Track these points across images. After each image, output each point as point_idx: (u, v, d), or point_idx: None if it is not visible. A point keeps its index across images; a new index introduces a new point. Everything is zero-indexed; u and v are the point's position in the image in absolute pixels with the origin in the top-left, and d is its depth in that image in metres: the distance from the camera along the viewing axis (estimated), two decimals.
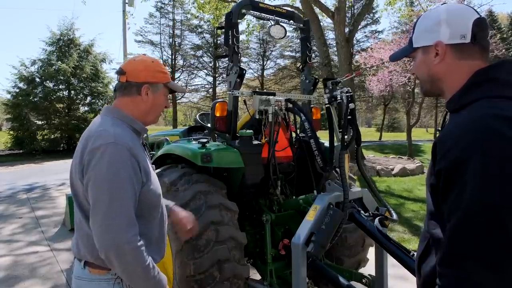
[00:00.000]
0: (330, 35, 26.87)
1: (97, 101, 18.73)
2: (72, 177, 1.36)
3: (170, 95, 1.67)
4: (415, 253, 1.10)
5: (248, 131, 2.78)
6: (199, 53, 30.75)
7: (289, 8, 3.42)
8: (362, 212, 2.39)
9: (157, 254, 1.47)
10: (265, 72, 33.08)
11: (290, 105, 2.83)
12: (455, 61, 1.03)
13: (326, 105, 2.55)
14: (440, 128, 1.09)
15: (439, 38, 1.03)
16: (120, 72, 1.46)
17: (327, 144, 2.71)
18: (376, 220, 2.23)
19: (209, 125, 3.26)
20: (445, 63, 1.04)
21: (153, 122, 1.56)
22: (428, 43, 1.06)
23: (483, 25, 1.02)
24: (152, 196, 1.40)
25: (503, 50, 14.99)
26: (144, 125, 1.50)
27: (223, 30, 2.86)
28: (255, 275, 3.01)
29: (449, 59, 1.03)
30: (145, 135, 1.58)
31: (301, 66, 3.32)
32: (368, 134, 32.78)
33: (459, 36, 1.01)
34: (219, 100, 2.94)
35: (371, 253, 2.85)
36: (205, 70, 31.24)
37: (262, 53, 32.35)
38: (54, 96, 17.27)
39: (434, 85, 1.10)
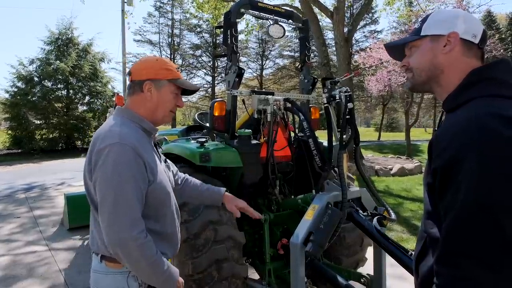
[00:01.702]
0: (329, 35, 26.87)
1: (95, 100, 18.72)
2: (85, 177, 1.40)
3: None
4: (413, 253, 1.10)
5: (246, 130, 2.78)
6: (198, 52, 30.72)
7: (288, 8, 3.41)
8: (360, 211, 2.39)
9: (169, 250, 1.51)
10: (264, 72, 33.07)
11: (288, 105, 2.83)
12: (460, 56, 1.05)
13: (325, 105, 2.55)
14: (437, 128, 1.09)
15: (454, 29, 1.04)
16: (128, 73, 1.53)
17: (325, 143, 2.71)
18: (375, 219, 2.23)
19: (207, 124, 3.26)
20: (452, 54, 1.05)
21: (163, 120, 1.56)
22: (441, 32, 1.07)
23: (486, 36, 1.08)
24: (160, 194, 1.43)
25: (502, 50, 14.98)
26: (154, 125, 1.52)
27: (222, 29, 2.85)
28: (253, 274, 3.01)
29: (456, 52, 1.05)
30: (157, 134, 1.58)
31: (300, 66, 3.32)
32: (366, 133, 32.81)
33: (471, 34, 1.04)
34: (217, 99, 2.94)
35: (369, 252, 2.85)
36: (204, 70, 31.23)
37: (261, 53, 32.33)
38: (53, 96, 17.25)
39: (431, 76, 1.09)
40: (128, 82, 1.54)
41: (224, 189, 1.89)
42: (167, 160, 1.79)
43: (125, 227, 1.27)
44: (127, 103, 1.52)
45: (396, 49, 1.23)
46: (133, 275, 1.40)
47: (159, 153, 1.57)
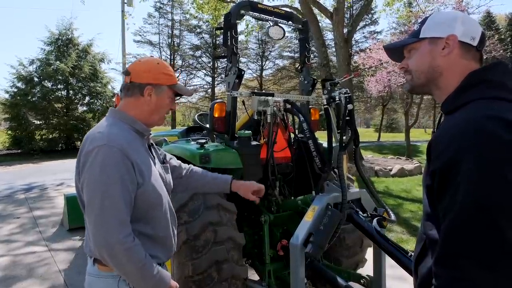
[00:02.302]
0: (329, 36, 26.89)
1: (95, 101, 18.71)
2: (75, 178, 1.40)
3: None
4: (413, 254, 1.11)
5: (246, 131, 2.78)
6: (198, 53, 30.73)
7: (287, 9, 3.43)
8: (360, 212, 2.39)
9: (162, 254, 1.48)
10: (264, 73, 33.08)
11: (288, 106, 2.83)
12: (459, 59, 1.05)
13: (325, 106, 2.56)
14: (435, 130, 1.10)
15: (453, 32, 1.05)
16: (125, 72, 1.49)
17: (325, 144, 2.71)
18: (374, 220, 2.23)
19: (207, 125, 3.27)
20: (450, 57, 1.05)
21: (157, 123, 1.56)
22: (439, 35, 1.07)
23: (485, 38, 1.08)
24: (150, 196, 1.41)
25: (501, 51, 15.00)
26: (147, 126, 1.51)
27: (222, 30, 2.86)
28: (253, 275, 3.01)
29: (455, 54, 1.05)
30: (151, 135, 1.57)
31: (299, 67, 3.33)
32: (366, 134, 32.83)
33: (470, 37, 1.05)
34: (217, 100, 2.94)
35: (369, 253, 2.86)
36: (204, 71, 31.23)
37: (261, 54, 32.35)
38: (53, 96, 17.25)
39: (430, 78, 1.09)
40: (124, 81, 1.50)
41: (231, 176, 1.90)
42: (167, 156, 1.77)
43: (111, 230, 1.24)
44: (122, 104, 1.49)
45: (395, 51, 1.24)
46: (124, 279, 1.37)
47: (153, 154, 1.55)
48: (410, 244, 4.59)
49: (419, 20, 1.18)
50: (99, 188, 1.26)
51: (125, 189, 1.29)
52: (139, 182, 1.35)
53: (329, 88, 2.57)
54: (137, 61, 1.54)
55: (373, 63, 14.66)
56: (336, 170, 2.43)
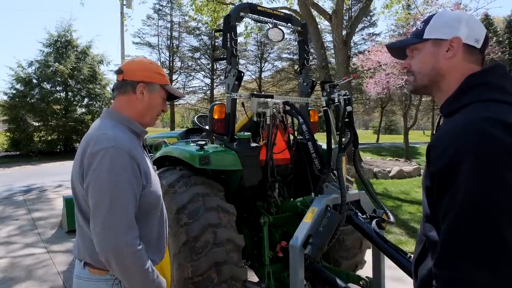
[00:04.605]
0: (328, 38, 26.96)
1: (94, 102, 18.68)
2: (73, 180, 1.37)
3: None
4: (412, 255, 1.11)
5: (246, 133, 2.79)
6: (197, 55, 30.76)
7: (287, 11, 3.44)
8: (359, 214, 2.40)
9: (156, 255, 1.47)
10: (263, 74, 33.11)
11: (288, 108, 2.84)
12: (462, 62, 1.04)
13: (324, 108, 2.56)
14: (434, 133, 1.10)
15: (457, 34, 1.03)
16: (118, 71, 1.49)
17: (324, 146, 2.72)
18: (373, 222, 2.24)
19: (207, 127, 3.27)
20: (454, 60, 1.04)
21: (149, 124, 1.56)
22: (443, 37, 1.05)
23: (488, 39, 1.06)
24: (152, 198, 1.41)
25: (499, 53, 15.07)
26: (142, 127, 1.51)
27: (221, 32, 2.87)
28: (253, 277, 3.01)
29: (459, 57, 1.04)
30: (145, 137, 1.58)
31: (298, 69, 3.34)
32: (365, 136, 32.86)
33: (474, 39, 1.03)
34: (217, 102, 2.95)
35: (368, 255, 2.86)
36: (203, 72, 31.27)
37: (260, 55, 32.38)
38: (51, 98, 17.20)
39: (432, 81, 1.09)
40: (117, 80, 1.49)
41: None
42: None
43: (120, 233, 1.23)
44: (115, 104, 1.48)
45: (398, 49, 1.22)
46: (117, 284, 1.35)
47: (147, 155, 1.55)
48: (409, 246, 4.60)
49: (418, 23, 1.16)
50: (107, 190, 1.25)
51: (132, 192, 1.29)
52: (144, 184, 1.36)
53: (328, 90, 2.58)
54: (130, 60, 1.55)
55: (372, 65, 14.70)
56: (335, 171, 2.43)
